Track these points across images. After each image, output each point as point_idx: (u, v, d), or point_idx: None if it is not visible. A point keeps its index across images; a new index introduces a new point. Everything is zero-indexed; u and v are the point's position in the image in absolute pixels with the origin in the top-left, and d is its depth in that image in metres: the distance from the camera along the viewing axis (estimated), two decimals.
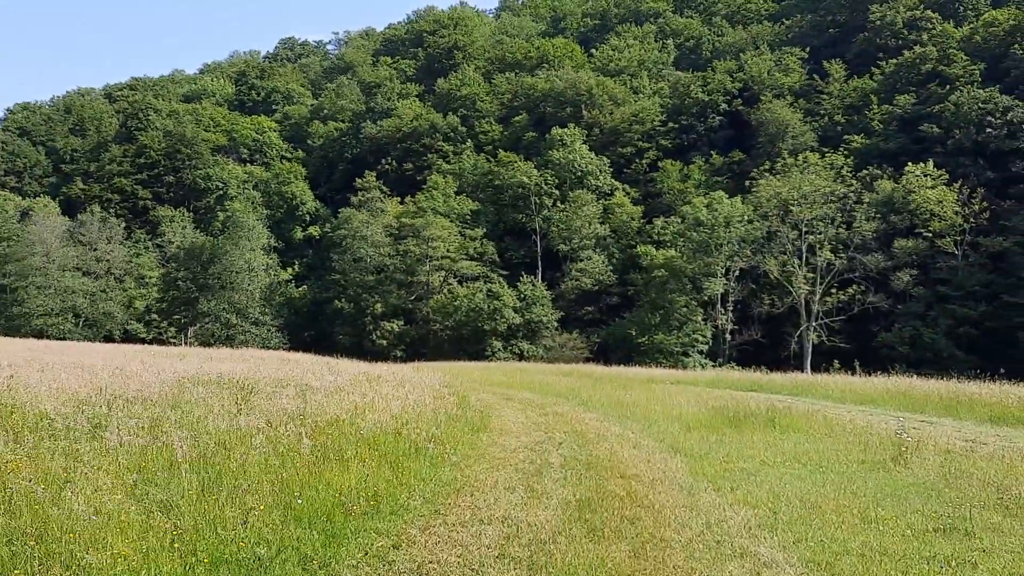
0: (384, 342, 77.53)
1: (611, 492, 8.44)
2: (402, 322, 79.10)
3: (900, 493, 8.71)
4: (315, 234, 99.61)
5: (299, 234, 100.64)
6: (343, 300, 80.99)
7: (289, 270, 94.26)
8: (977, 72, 74.49)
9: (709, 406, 16.74)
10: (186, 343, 76.17)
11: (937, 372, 52.35)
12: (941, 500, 8.42)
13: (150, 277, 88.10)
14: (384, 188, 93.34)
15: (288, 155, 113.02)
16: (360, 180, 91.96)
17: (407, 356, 73.40)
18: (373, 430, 9.97)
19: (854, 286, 63.69)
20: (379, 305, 79.04)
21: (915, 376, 35.43)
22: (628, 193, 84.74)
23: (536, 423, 14.67)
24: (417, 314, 79.32)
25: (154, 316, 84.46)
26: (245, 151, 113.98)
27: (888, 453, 11.07)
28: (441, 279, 79.18)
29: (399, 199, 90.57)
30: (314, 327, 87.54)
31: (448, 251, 78.61)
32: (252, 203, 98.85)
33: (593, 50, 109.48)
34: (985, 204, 63.96)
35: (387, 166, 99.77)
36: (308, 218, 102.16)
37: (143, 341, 72.15)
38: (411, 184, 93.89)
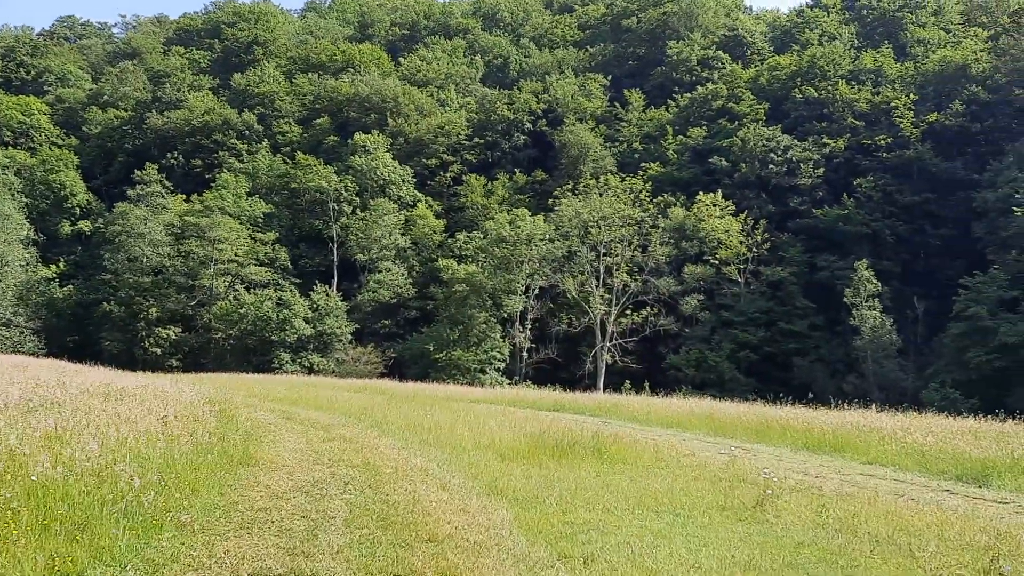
0: (158, 350, 70.57)
1: (417, 571, 5.92)
2: (180, 329, 72.36)
3: (797, 561, 6.81)
4: (86, 229, 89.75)
5: (67, 228, 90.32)
6: (113, 303, 73.01)
7: (53, 267, 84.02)
8: (762, 111, 79.02)
9: (524, 431, 14.56)
10: None
11: (720, 394, 54.29)
12: (842, 568, 6.62)
13: None
14: (168, 184, 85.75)
15: (59, 141, 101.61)
16: (140, 172, 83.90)
17: (185, 367, 67.19)
18: (64, 473, 6.81)
19: (647, 308, 65.00)
20: (155, 310, 71.90)
21: (703, 397, 35.73)
22: (431, 205, 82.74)
23: (319, 452, 11.84)
24: (198, 321, 72.89)
25: None
26: (8, 133, 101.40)
27: (746, 496, 9.33)
28: (227, 284, 73.27)
29: (185, 197, 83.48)
30: (79, 332, 78.57)
31: (236, 255, 72.92)
32: (10, 190, 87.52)
33: (401, 58, 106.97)
34: (767, 235, 67.49)
35: (173, 161, 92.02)
36: (78, 211, 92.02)
37: None
38: (199, 182, 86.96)
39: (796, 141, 74.30)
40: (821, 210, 70.01)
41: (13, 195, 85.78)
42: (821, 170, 72.50)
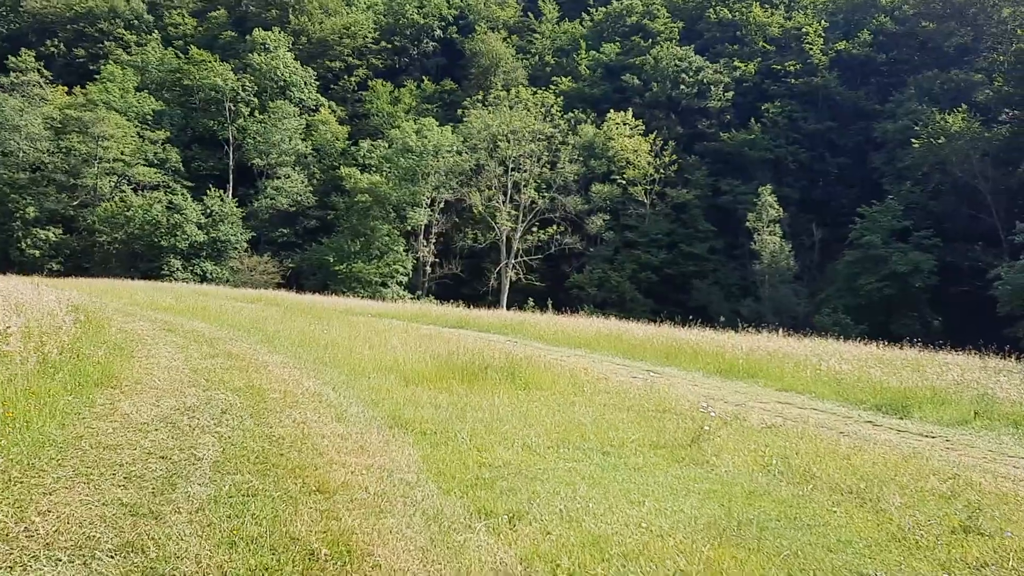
0: (36, 252, 66.01)
1: (301, 540, 4.71)
2: (61, 231, 67.71)
3: (758, 519, 5.87)
4: None
5: None
6: None
7: None
8: (676, 30, 77.99)
9: (431, 351, 13.37)
10: None
11: (620, 314, 54.66)
12: (810, 528, 5.76)
13: None
14: (48, 73, 79.21)
15: None
16: (15, 59, 77.07)
17: (66, 271, 63.35)
18: None
19: (554, 227, 64.31)
20: (32, 209, 66.86)
21: (606, 317, 35.46)
22: (334, 111, 79.12)
23: (196, 371, 10.39)
24: (80, 223, 68.32)
25: None
26: None
27: (679, 431, 8.46)
28: (112, 185, 68.68)
29: (66, 89, 77.28)
30: None
31: (122, 153, 68.19)
32: None
33: None
34: (674, 157, 67.29)
35: (53, 49, 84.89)
36: None
37: None
38: (82, 74, 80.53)
39: (708, 63, 73.75)
40: (728, 134, 70.11)
41: None
42: (731, 94, 72.39)
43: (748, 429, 9.05)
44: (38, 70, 77.48)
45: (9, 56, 78.88)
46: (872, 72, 71.96)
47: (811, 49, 71.69)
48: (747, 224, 61.14)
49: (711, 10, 78.54)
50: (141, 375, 9.64)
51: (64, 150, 68.33)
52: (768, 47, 75.09)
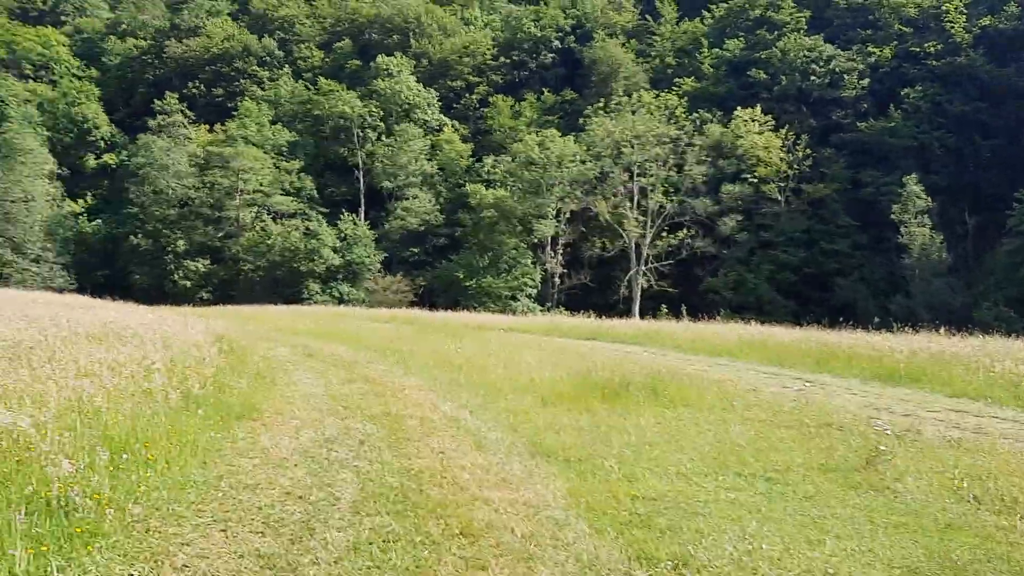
0: (188, 283, 69.97)
1: None
2: (209, 261, 71.53)
3: (962, 560, 5.04)
4: (111, 163, 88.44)
5: (92, 162, 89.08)
6: (140, 236, 72.12)
7: (80, 202, 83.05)
8: (803, 20, 74.88)
9: (567, 368, 12.90)
10: None
11: (758, 317, 52.62)
12: None
13: None
14: (190, 114, 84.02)
15: (79, 73, 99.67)
16: (160, 102, 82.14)
17: (215, 299, 66.78)
18: None
19: (684, 230, 62.73)
20: (182, 242, 71.03)
21: (747, 322, 33.97)
22: (457, 129, 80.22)
23: (335, 398, 10.32)
24: (226, 253, 71.97)
25: None
26: (28, 67, 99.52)
27: (849, 451, 7.63)
28: (253, 215, 72.05)
29: (208, 127, 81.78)
30: (108, 266, 78.09)
31: (261, 185, 71.46)
32: (32, 124, 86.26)
33: None
34: (808, 151, 64.50)
35: (194, 90, 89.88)
36: (103, 144, 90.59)
37: None
38: (221, 112, 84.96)
39: (839, 51, 70.40)
40: (866, 123, 66.61)
41: (35, 129, 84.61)
42: (866, 81, 68.77)
43: (926, 445, 8.09)
44: (182, 111, 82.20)
45: (155, 100, 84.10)
46: (1022, 47, 66.82)
47: (953, 27, 67.28)
48: (892, 216, 57.77)
49: None
50: (282, 405, 9.62)
51: (208, 185, 72.23)
52: (905, 29, 71.01)
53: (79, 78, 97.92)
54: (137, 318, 17.47)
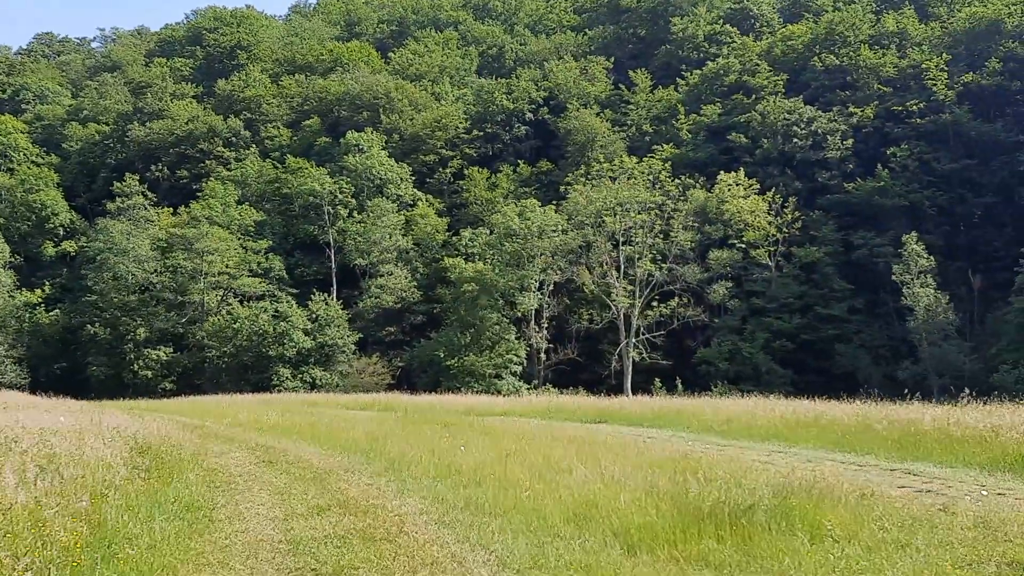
0: (149, 373, 65.46)
1: None
2: (171, 349, 67.17)
3: None
4: (71, 250, 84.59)
5: (50, 250, 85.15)
6: (98, 325, 67.61)
7: (38, 292, 78.64)
8: (780, 83, 73.82)
9: (637, 477, 9.18)
10: None
11: (756, 388, 49.34)
12: None
13: None
14: (152, 196, 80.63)
15: (39, 160, 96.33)
16: (119, 184, 78.83)
17: (177, 390, 62.37)
18: None
19: (675, 299, 59.71)
20: (143, 330, 66.71)
21: (747, 395, 30.68)
22: (432, 204, 77.48)
23: (297, 546, 6.68)
24: (189, 339, 67.76)
25: None
26: None
27: None
28: (218, 299, 68.14)
29: (172, 210, 78.39)
30: (66, 359, 73.49)
31: (227, 266, 67.71)
32: None
33: (391, 54, 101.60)
34: (797, 214, 62.32)
35: (158, 173, 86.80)
36: (62, 231, 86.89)
37: None
38: (186, 194, 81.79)
39: (820, 112, 69.07)
40: (853, 184, 64.86)
41: None
42: (850, 141, 67.32)
43: None
44: (143, 193, 78.93)
45: (114, 182, 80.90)
46: (1007, 102, 65.97)
47: (934, 85, 66.24)
48: (893, 277, 55.25)
49: (815, 58, 74.19)
50: (212, 563, 5.99)
51: (171, 268, 68.42)
52: (884, 88, 70.01)
53: (38, 165, 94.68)
54: (50, 420, 13.67)
